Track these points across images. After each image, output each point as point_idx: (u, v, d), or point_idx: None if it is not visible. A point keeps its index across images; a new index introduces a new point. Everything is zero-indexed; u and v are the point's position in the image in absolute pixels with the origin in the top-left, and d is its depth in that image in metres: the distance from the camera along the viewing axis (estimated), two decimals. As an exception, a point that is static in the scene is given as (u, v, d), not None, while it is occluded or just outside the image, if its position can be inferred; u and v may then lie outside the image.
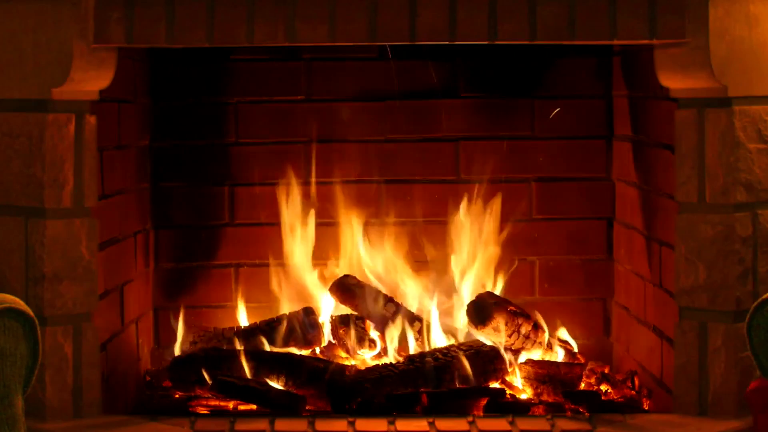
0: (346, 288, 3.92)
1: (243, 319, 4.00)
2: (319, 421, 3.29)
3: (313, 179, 4.01)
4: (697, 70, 3.24)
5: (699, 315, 3.30)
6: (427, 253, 4.02)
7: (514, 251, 4.06)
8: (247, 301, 4.04)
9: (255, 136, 4.07)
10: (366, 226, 4.02)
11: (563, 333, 3.91)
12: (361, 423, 3.26)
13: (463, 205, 3.97)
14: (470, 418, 3.30)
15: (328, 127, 4.05)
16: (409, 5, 3.21)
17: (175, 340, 3.88)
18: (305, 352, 3.80)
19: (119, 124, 3.67)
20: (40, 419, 3.23)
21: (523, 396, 3.60)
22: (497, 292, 3.90)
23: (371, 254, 4.00)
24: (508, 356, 3.66)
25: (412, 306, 3.90)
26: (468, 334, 3.81)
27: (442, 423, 3.27)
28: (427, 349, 3.72)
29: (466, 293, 3.89)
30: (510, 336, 3.75)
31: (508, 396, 3.56)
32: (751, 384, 2.92)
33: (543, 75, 4.09)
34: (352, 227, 4.02)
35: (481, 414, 3.39)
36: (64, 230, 3.25)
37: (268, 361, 3.62)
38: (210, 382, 3.56)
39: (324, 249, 4.04)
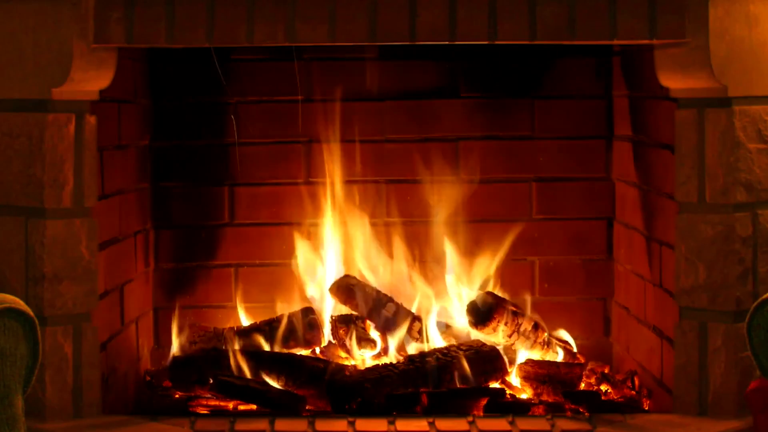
0: (346, 288, 3.91)
1: (243, 319, 4.00)
2: (319, 421, 3.29)
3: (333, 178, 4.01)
4: (697, 70, 3.24)
5: (699, 315, 3.30)
6: (427, 253, 4.02)
7: (514, 251, 4.06)
8: (247, 301, 4.04)
9: (255, 136, 4.07)
10: (366, 226, 4.02)
11: (563, 333, 3.91)
12: (361, 423, 3.26)
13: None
14: (470, 418, 3.30)
15: (327, 127, 4.05)
16: (409, 5, 3.21)
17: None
18: (305, 352, 3.80)
19: (119, 124, 3.67)
20: (40, 419, 3.23)
21: (523, 396, 3.61)
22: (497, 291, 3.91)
23: (371, 254, 4.00)
24: (507, 356, 3.67)
25: (412, 306, 3.90)
26: (468, 334, 3.81)
27: (442, 423, 3.27)
28: (427, 349, 3.72)
29: (466, 293, 3.90)
30: (510, 336, 3.75)
31: (508, 396, 3.56)
32: (751, 384, 2.92)
33: (543, 75, 4.08)
34: (352, 227, 4.02)
35: (481, 414, 3.39)
36: (64, 230, 3.25)
37: (268, 361, 3.62)
38: (210, 382, 3.56)
39: (325, 249, 4.03)
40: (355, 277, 3.95)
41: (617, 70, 4.04)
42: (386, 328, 3.81)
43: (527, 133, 4.10)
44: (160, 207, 4.07)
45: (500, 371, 3.63)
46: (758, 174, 3.27)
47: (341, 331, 3.83)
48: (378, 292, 3.89)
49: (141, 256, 3.92)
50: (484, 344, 3.67)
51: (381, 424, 3.26)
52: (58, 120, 3.24)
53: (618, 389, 3.72)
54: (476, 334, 3.76)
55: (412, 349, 3.76)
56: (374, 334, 3.83)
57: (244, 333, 3.84)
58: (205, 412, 3.50)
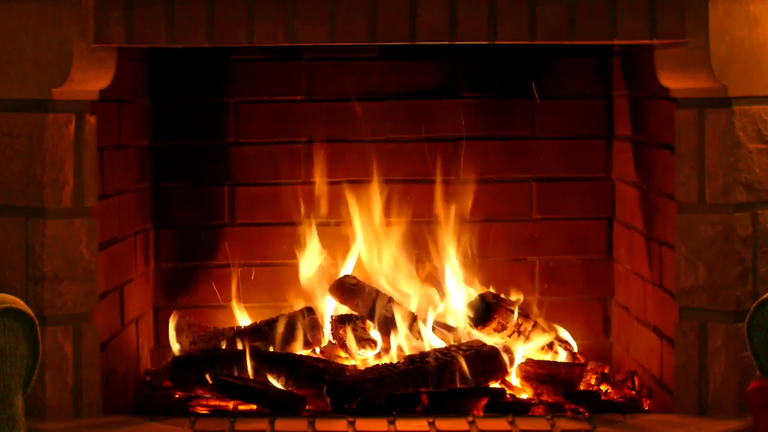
0: (346, 288, 3.92)
1: (243, 319, 4.00)
2: (319, 421, 3.29)
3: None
4: (697, 70, 3.24)
5: (699, 315, 3.30)
6: (427, 253, 4.02)
7: (514, 251, 4.07)
8: (247, 301, 4.04)
9: (255, 136, 4.07)
10: (366, 226, 4.02)
11: (563, 333, 3.91)
12: (361, 423, 3.26)
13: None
14: (470, 418, 3.30)
15: (327, 126, 4.06)
16: (409, 5, 3.21)
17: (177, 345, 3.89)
18: (305, 352, 3.80)
19: (119, 124, 3.66)
20: (40, 419, 3.23)
21: (523, 396, 3.61)
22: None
23: (371, 254, 4.00)
24: (507, 356, 3.67)
25: (412, 306, 3.90)
26: (468, 333, 3.81)
27: (442, 423, 3.27)
28: (427, 349, 3.72)
29: (466, 293, 3.90)
30: (510, 336, 3.75)
31: (508, 396, 3.56)
32: (751, 384, 2.92)
33: (543, 75, 4.08)
34: (353, 227, 4.02)
35: (481, 414, 3.39)
36: (64, 230, 3.25)
37: (268, 361, 3.62)
38: (210, 382, 3.56)
39: (325, 249, 4.04)
40: (355, 277, 3.95)
41: (617, 70, 4.04)
42: (386, 328, 3.81)
43: (527, 133, 4.10)
44: (160, 207, 4.07)
45: (500, 371, 3.63)
46: (758, 174, 3.27)
47: (341, 331, 3.83)
48: (378, 292, 3.89)
49: (141, 256, 3.92)
50: (484, 344, 3.67)
51: (381, 424, 3.26)
52: (58, 120, 3.24)
53: (618, 389, 3.72)
54: (476, 334, 3.76)
55: (412, 349, 3.77)
56: (374, 334, 3.83)
57: (244, 333, 3.84)
58: (205, 412, 3.50)
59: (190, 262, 4.09)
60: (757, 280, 3.27)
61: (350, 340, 3.77)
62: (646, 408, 3.58)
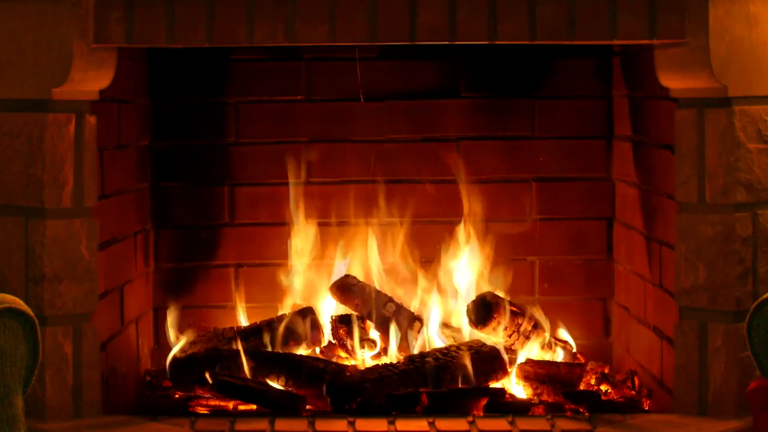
0: (346, 288, 3.92)
1: (243, 319, 4.00)
2: (319, 421, 3.29)
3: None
4: (697, 70, 3.24)
5: (699, 315, 3.30)
6: (427, 252, 4.02)
7: (514, 251, 4.07)
8: (247, 301, 4.04)
9: (255, 136, 4.07)
10: (366, 226, 4.02)
11: (563, 333, 3.91)
12: (361, 423, 3.26)
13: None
14: (470, 418, 3.30)
15: (328, 127, 4.06)
16: (409, 5, 3.21)
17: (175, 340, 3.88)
18: (305, 352, 3.80)
19: (119, 124, 3.67)
20: (40, 419, 3.23)
21: (523, 396, 3.60)
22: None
23: (372, 254, 4.00)
24: (507, 356, 3.67)
25: (413, 306, 3.90)
26: (469, 333, 3.81)
27: (442, 423, 3.27)
28: (427, 349, 3.72)
29: (466, 293, 3.90)
30: (510, 336, 3.75)
31: (508, 396, 3.56)
32: (751, 384, 2.91)
33: (543, 75, 4.08)
34: (352, 227, 4.02)
35: (481, 414, 3.39)
36: (64, 230, 3.25)
37: (267, 361, 3.62)
38: (210, 382, 3.56)
39: (325, 249, 4.04)
40: (355, 277, 3.95)
41: (617, 70, 4.04)
42: (386, 328, 3.81)
43: (527, 133, 4.10)
44: (160, 207, 4.07)
45: (500, 371, 3.63)
46: (758, 174, 3.27)
47: (341, 331, 3.83)
48: (378, 292, 3.89)
49: (141, 256, 3.92)
50: (484, 344, 3.67)
51: (381, 424, 3.26)
52: (58, 120, 3.24)
53: (618, 389, 3.72)
54: (477, 334, 3.76)
55: (412, 348, 3.77)
56: (374, 334, 3.84)
57: (244, 333, 3.84)
58: (205, 412, 3.50)
59: (190, 262, 4.09)
60: (757, 280, 3.28)
61: (355, 339, 3.77)
62: (646, 408, 3.58)
